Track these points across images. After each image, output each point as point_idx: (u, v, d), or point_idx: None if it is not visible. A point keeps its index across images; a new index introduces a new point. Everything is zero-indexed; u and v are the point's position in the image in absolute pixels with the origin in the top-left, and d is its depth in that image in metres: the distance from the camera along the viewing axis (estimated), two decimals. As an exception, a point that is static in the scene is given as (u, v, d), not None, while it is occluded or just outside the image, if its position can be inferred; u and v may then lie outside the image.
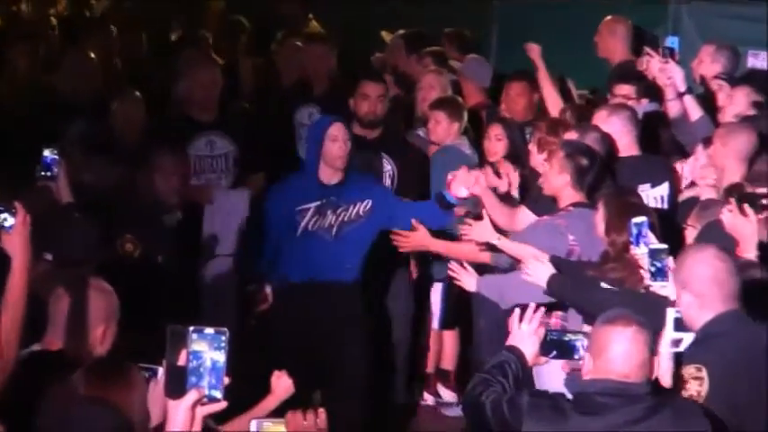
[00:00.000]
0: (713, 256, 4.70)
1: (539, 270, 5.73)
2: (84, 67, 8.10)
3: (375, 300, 7.18)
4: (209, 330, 3.57)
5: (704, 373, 4.48)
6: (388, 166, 7.50)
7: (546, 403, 4.31)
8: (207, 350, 3.59)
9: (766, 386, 4.50)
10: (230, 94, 8.51)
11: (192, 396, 3.56)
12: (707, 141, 6.45)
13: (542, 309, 4.71)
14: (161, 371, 3.95)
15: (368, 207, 6.72)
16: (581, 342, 4.48)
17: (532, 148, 6.88)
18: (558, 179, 6.15)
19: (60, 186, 5.87)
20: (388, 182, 7.46)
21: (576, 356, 4.48)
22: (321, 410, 4.32)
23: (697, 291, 4.65)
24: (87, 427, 3.68)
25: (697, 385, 4.50)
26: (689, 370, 4.51)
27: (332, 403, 5.85)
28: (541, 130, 6.86)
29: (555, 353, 4.55)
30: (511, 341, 4.55)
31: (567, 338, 4.56)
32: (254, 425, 4.07)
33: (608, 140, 6.55)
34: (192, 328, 3.56)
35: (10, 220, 4.26)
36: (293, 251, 6.70)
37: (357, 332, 6.72)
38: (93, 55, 8.27)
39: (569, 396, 4.30)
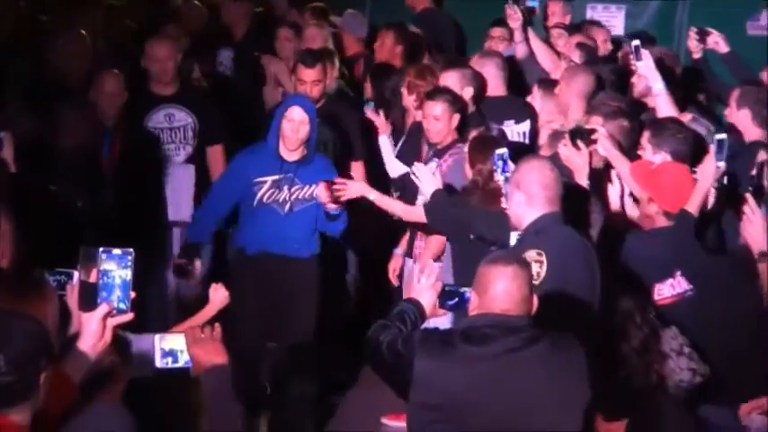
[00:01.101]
0: (543, 165, 5.25)
1: (426, 180, 6.22)
2: (78, 46, 8.04)
3: (327, 273, 7.17)
4: (117, 251, 3.83)
5: (544, 258, 4.95)
6: (333, 136, 7.64)
7: (436, 337, 4.48)
8: (115, 269, 3.83)
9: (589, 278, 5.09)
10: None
11: (102, 309, 3.81)
12: (541, 83, 7.30)
13: (438, 264, 5.30)
14: (76, 274, 4.05)
15: None
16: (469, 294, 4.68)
17: (404, 90, 7.63)
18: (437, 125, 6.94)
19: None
20: (332, 149, 7.59)
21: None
22: (216, 324, 4.34)
23: (527, 191, 5.15)
24: (7, 337, 3.61)
25: (538, 267, 4.94)
26: (531, 254, 4.95)
27: (283, 351, 6.65)
28: (411, 75, 7.64)
29: (450, 304, 4.74)
30: (410, 294, 4.77)
31: (461, 291, 4.71)
32: (157, 338, 4.24)
33: (480, 80, 7.35)
34: (101, 249, 3.80)
35: None
36: (247, 222, 6.84)
37: (308, 297, 6.87)
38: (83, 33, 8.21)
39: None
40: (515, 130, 7.31)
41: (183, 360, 4.19)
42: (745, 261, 5.56)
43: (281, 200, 6.76)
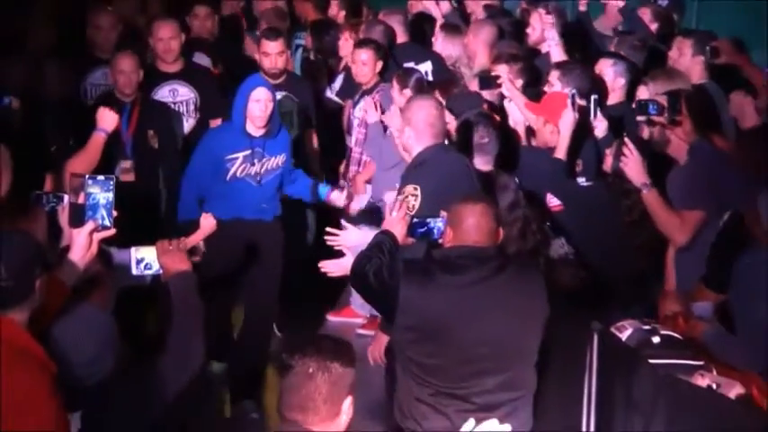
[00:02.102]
0: (430, 104, 5.86)
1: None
2: (106, 21, 8.23)
3: (289, 234, 7.44)
4: (101, 177, 4.35)
5: (418, 192, 5.53)
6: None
7: (417, 267, 4.85)
8: (99, 192, 4.33)
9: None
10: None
11: (89, 225, 4.29)
12: (443, 27, 8.50)
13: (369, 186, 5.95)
14: (66, 198, 4.47)
15: (283, 159, 7.15)
16: (439, 225, 5.16)
17: (340, 42, 8.83)
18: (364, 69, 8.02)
19: None
20: (296, 118, 8.17)
21: (436, 236, 5.17)
22: (182, 237, 4.74)
23: (415, 127, 5.79)
24: (7, 250, 3.86)
25: (413, 200, 5.54)
26: (408, 189, 5.58)
27: (251, 297, 7.15)
28: (345, 29, 8.86)
29: (420, 232, 5.22)
30: (384, 226, 5.17)
31: (428, 221, 5.22)
32: (132, 250, 4.63)
33: (390, 32, 8.53)
34: (87, 176, 4.33)
35: None
36: (222, 194, 7.01)
37: (275, 253, 7.18)
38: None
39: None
40: (419, 68, 8.15)
41: (155, 268, 4.59)
42: (612, 185, 6.47)
43: (253, 173, 7.04)
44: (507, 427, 3.34)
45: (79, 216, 4.33)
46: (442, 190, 5.49)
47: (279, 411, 3.68)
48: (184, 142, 7.82)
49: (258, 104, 6.94)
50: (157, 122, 7.59)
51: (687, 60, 7.64)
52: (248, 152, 7.01)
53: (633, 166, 6.00)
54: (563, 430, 5.46)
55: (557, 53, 7.74)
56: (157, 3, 9.67)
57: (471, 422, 3.46)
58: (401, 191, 5.62)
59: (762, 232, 5.10)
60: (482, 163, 6.14)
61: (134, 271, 4.63)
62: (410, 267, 4.86)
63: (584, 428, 5.31)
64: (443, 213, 5.12)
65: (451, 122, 6.31)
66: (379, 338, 5.66)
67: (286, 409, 3.63)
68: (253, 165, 7.03)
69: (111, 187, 4.33)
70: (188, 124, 8.00)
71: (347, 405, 3.65)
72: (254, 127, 7.00)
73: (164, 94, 7.96)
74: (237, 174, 7.02)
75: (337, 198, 7.13)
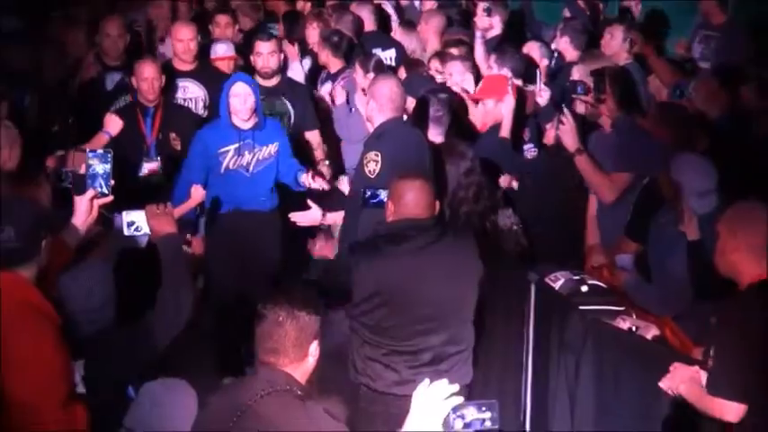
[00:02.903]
0: (392, 81, 6.33)
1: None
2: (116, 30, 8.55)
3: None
4: (100, 151, 4.75)
5: (379, 158, 5.96)
6: (289, 109, 8.25)
7: (365, 243, 5.20)
8: (98, 164, 4.70)
9: (415, 162, 6.00)
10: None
11: (89, 193, 4.67)
12: (402, 23, 9.19)
13: None
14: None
15: (275, 148, 7.32)
16: (384, 195, 5.44)
17: (306, 31, 9.42)
18: (322, 55, 8.60)
19: None
20: (291, 121, 8.22)
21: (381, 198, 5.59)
22: (168, 203, 5.07)
23: (378, 101, 6.18)
24: (16, 214, 4.16)
25: (374, 165, 5.94)
26: (370, 155, 6.00)
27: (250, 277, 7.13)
28: (311, 20, 9.41)
29: (373, 203, 5.68)
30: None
31: (377, 192, 5.62)
32: (123, 214, 4.96)
33: (359, 22, 9.15)
34: (88, 150, 4.74)
35: None
36: (217, 187, 7.22)
37: (274, 242, 7.32)
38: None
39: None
40: (384, 55, 8.85)
41: (144, 230, 4.93)
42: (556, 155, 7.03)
43: (244, 163, 7.24)
44: (455, 387, 3.41)
45: (82, 185, 4.73)
46: (399, 157, 5.95)
47: (255, 356, 3.94)
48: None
49: (238, 99, 7.17)
50: (179, 125, 7.75)
51: (616, 45, 8.39)
52: (238, 144, 7.22)
53: (569, 134, 6.53)
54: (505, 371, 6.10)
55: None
56: (186, 9, 10.07)
57: (426, 381, 3.55)
58: (364, 156, 6.06)
59: (672, 194, 5.63)
60: (436, 134, 6.61)
61: (125, 232, 4.97)
62: (357, 246, 5.23)
63: (524, 368, 6.02)
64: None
65: (409, 102, 6.83)
66: None
67: (261, 353, 3.90)
68: (243, 156, 7.22)
69: (109, 160, 4.71)
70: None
71: (314, 348, 3.94)
72: (240, 120, 7.23)
73: (174, 90, 8.24)
74: (230, 166, 7.22)
75: (305, 180, 7.19)
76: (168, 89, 8.00)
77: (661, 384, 4.73)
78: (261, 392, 3.80)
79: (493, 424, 3.15)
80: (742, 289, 4.55)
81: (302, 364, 3.93)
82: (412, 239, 5.07)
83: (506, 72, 7.55)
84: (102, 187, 4.70)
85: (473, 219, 6.32)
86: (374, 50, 8.67)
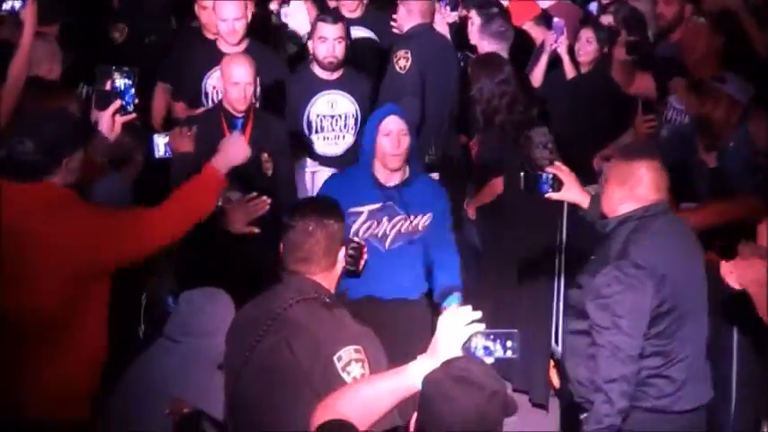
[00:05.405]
0: None
1: None
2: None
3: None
4: (126, 68, 4.70)
5: (410, 55, 6.64)
6: (353, 107, 6.88)
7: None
8: (122, 79, 4.68)
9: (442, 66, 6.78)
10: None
11: (113, 106, 4.68)
12: None
13: None
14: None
15: (428, 221, 5.59)
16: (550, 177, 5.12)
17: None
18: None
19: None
20: (351, 122, 6.86)
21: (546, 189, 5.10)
22: (191, 126, 6.01)
23: (408, 6, 6.97)
24: (38, 127, 4.30)
25: (404, 62, 6.63)
26: (400, 53, 6.69)
27: None
28: None
29: (543, 189, 5.02)
30: None
31: (542, 175, 5.00)
32: (155, 136, 5.92)
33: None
34: (114, 67, 4.69)
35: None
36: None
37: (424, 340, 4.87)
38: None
39: None
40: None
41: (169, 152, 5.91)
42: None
43: (379, 234, 5.53)
44: (478, 313, 3.26)
45: (106, 100, 4.72)
46: (426, 56, 6.46)
47: (282, 266, 3.96)
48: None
49: (389, 139, 5.46)
50: (273, 142, 6.25)
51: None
52: (375, 206, 5.54)
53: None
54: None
55: None
56: None
57: (453, 307, 3.72)
58: (394, 54, 6.52)
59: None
60: (501, 50, 7.00)
61: (156, 155, 5.89)
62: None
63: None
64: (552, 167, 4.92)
65: (450, 15, 7.27)
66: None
67: (291, 262, 3.93)
68: (380, 223, 5.53)
69: (134, 77, 4.71)
70: None
71: (342, 255, 4.00)
72: (387, 171, 5.52)
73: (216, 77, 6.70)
74: (360, 233, 5.47)
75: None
76: (204, 73, 6.85)
77: (726, 272, 4.38)
78: (290, 301, 3.87)
79: (513, 353, 3.21)
80: None
81: (332, 271, 3.99)
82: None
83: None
84: (127, 104, 4.72)
85: (508, 128, 6.52)
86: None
